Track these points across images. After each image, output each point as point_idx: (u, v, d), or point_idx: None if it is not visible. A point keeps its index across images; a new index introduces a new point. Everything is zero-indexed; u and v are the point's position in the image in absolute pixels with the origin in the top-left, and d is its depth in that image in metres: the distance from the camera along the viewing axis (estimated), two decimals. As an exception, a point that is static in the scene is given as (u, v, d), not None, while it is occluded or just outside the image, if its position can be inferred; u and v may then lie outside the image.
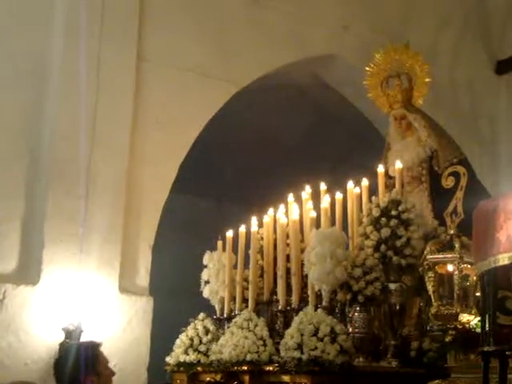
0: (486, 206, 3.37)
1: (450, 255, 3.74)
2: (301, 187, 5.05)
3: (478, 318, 3.81)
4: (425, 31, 7.18)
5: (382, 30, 6.80)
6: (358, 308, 4.29)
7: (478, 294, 3.74)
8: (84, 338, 5.12)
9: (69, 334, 5.21)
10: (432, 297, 3.81)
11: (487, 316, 3.23)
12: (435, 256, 3.78)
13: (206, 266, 5.25)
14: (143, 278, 5.86)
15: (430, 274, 3.78)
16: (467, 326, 3.77)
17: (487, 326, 3.20)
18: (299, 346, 4.11)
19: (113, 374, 3.88)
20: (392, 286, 4.30)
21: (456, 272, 3.70)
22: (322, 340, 4.09)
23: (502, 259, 3.12)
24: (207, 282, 5.22)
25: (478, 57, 7.56)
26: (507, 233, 3.10)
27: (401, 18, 7.14)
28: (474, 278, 3.74)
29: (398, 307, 4.29)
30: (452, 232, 3.82)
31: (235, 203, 7.03)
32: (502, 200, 3.23)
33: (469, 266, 3.73)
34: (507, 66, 7.47)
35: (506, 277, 3.19)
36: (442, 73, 7.11)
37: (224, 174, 8.39)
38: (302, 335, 4.14)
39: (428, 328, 4.15)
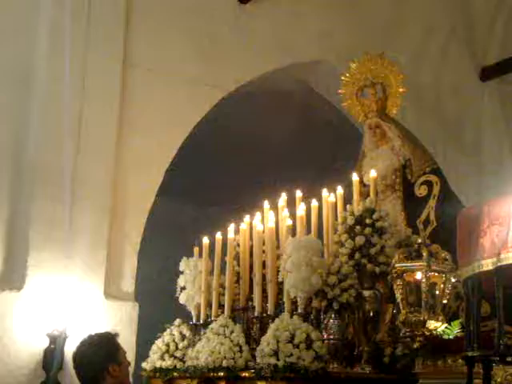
0: (471, 211, 3.39)
1: (417, 263, 3.77)
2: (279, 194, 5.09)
3: (445, 325, 3.89)
4: (410, 38, 7.23)
5: (368, 37, 6.83)
6: (332, 315, 4.31)
7: (444, 301, 3.80)
8: (69, 344, 5.12)
9: (53, 339, 5.25)
10: (400, 304, 3.85)
11: (471, 321, 3.27)
12: (403, 264, 3.82)
13: (182, 272, 5.27)
14: (129, 284, 5.89)
15: (399, 281, 3.82)
16: (434, 332, 3.82)
17: (471, 331, 3.24)
18: (275, 353, 4.12)
19: (129, 363, 3.92)
20: (366, 293, 4.34)
21: (424, 280, 3.74)
22: (297, 346, 4.11)
23: (486, 265, 3.15)
24: (183, 288, 5.24)
25: (463, 63, 7.61)
26: (491, 238, 3.11)
27: (387, 24, 7.17)
28: (441, 285, 3.79)
29: (371, 314, 4.33)
30: (420, 241, 3.87)
31: (221, 208, 7.07)
32: (486, 206, 3.24)
33: (436, 274, 3.78)
34: (492, 73, 7.53)
35: (490, 282, 3.23)
36: (427, 79, 7.16)
37: (210, 178, 8.44)
38: (277, 342, 4.15)
39: (401, 334, 4.20)
